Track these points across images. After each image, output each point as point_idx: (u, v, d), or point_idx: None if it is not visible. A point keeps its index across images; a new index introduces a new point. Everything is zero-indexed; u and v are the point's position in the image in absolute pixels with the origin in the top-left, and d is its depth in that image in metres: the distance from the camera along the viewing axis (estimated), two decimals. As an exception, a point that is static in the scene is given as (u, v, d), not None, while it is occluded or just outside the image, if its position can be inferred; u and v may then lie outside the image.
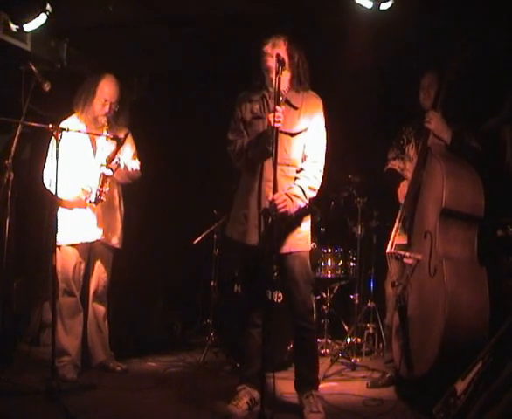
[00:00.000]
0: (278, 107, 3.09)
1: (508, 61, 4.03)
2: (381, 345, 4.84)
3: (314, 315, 4.32)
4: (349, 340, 4.84)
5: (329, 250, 4.90)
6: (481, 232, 3.41)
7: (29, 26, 3.93)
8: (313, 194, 3.30)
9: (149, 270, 5.19)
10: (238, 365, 4.19)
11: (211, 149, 5.59)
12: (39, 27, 3.95)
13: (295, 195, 3.20)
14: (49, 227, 4.47)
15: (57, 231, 3.59)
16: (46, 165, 3.91)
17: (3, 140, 4.44)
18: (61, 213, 3.84)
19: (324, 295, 4.97)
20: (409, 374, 3.41)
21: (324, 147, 3.34)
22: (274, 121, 3.07)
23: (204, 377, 4.08)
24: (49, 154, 3.87)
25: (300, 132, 3.28)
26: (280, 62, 3.11)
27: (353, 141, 5.01)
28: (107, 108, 3.89)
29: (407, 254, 3.52)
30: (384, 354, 4.23)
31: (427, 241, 3.39)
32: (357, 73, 4.80)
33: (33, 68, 3.60)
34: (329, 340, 4.90)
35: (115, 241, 4.04)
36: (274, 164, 3.07)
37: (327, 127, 3.36)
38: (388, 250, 3.64)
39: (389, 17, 3.71)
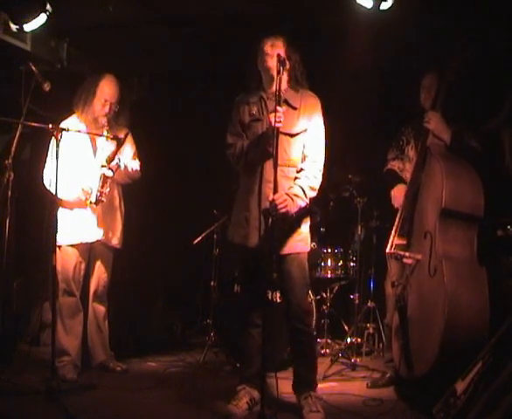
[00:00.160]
0: (279, 108, 3.09)
1: (508, 61, 4.03)
2: (381, 345, 4.84)
3: (314, 315, 4.35)
4: (349, 340, 4.84)
5: (329, 250, 4.90)
6: (481, 232, 3.41)
7: (29, 26, 3.93)
8: (313, 193, 3.30)
9: (149, 270, 5.19)
10: (238, 365, 4.19)
11: (211, 149, 5.58)
12: (39, 27, 3.95)
13: (296, 195, 3.20)
14: (49, 227, 4.47)
15: (57, 231, 3.59)
16: (46, 165, 3.91)
17: (3, 140, 4.44)
18: (61, 213, 3.84)
19: (324, 295, 4.97)
20: (409, 374, 3.41)
21: (323, 147, 3.34)
22: (275, 121, 3.07)
23: (204, 377, 4.08)
24: (49, 154, 3.87)
25: (300, 132, 3.28)
26: (282, 62, 3.11)
27: (353, 141, 5.01)
28: (107, 108, 3.89)
29: (407, 254, 3.52)
30: (383, 354, 4.23)
31: (427, 241, 3.39)
32: (357, 73, 4.80)
33: (33, 68, 3.60)
34: (329, 340, 4.90)
35: (115, 241, 4.04)
36: (275, 165, 3.06)
37: (326, 126, 3.37)
38: (388, 250, 3.64)
39: (389, 17, 3.71)
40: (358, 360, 4.60)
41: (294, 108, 3.29)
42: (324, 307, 4.93)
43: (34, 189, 4.33)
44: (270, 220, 3.08)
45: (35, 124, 3.56)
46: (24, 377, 3.66)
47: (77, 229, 3.89)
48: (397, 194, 3.82)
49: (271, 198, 3.09)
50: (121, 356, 4.21)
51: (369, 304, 4.92)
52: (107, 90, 3.90)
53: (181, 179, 5.60)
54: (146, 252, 5.14)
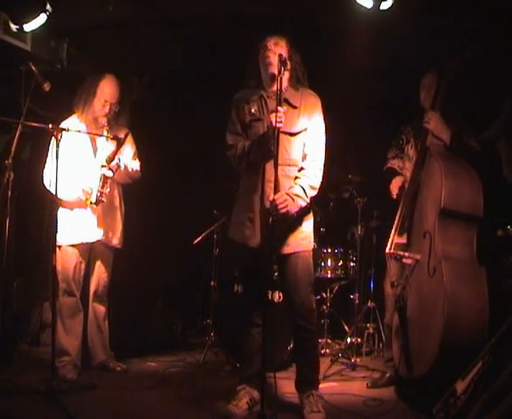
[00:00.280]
0: (279, 108, 3.09)
1: (508, 61, 4.03)
2: (381, 345, 4.84)
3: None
4: (349, 340, 4.84)
5: (329, 250, 4.90)
6: (481, 232, 3.41)
7: (29, 26, 3.92)
8: (314, 192, 3.30)
9: (149, 270, 5.19)
10: (238, 365, 4.19)
11: (211, 149, 5.59)
12: (39, 27, 3.95)
13: (296, 195, 3.20)
14: (49, 227, 4.47)
15: (57, 231, 3.59)
16: (46, 165, 3.91)
17: (3, 140, 4.44)
18: (61, 213, 3.84)
19: (324, 295, 4.97)
20: (409, 374, 3.41)
21: (324, 145, 3.34)
22: (276, 122, 3.07)
23: (204, 377, 4.07)
24: (49, 154, 3.87)
25: (300, 131, 3.28)
26: (283, 62, 3.11)
27: (353, 141, 5.01)
28: (107, 109, 3.89)
29: (406, 254, 3.52)
30: (383, 354, 4.24)
31: (426, 241, 3.39)
32: (357, 73, 4.80)
33: (33, 68, 3.60)
34: (329, 340, 4.90)
35: (116, 241, 4.04)
36: (275, 165, 3.07)
37: (327, 125, 3.36)
38: (387, 250, 3.64)
39: (389, 17, 3.71)
40: (358, 360, 4.60)
41: (295, 107, 3.29)
42: (324, 307, 4.94)
43: (34, 189, 4.32)
44: (270, 220, 3.08)
45: (35, 124, 3.56)
46: (24, 377, 3.66)
47: (77, 229, 3.89)
48: (395, 184, 3.82)
49: (271, 198, 3.10)
50: (121, 356, 4.20)
51: (369, 304, 4.92)
52: (107, 90, 3.90)
53: (181, 179, 5.60)
54: (146, 252, 5.14)
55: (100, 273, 4.04)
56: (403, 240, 3.65)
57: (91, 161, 3.94)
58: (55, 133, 3.48)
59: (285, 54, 3.21)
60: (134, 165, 4.10)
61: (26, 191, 4.58)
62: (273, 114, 3.10)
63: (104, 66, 4.22)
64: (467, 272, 3.32)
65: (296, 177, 3.27)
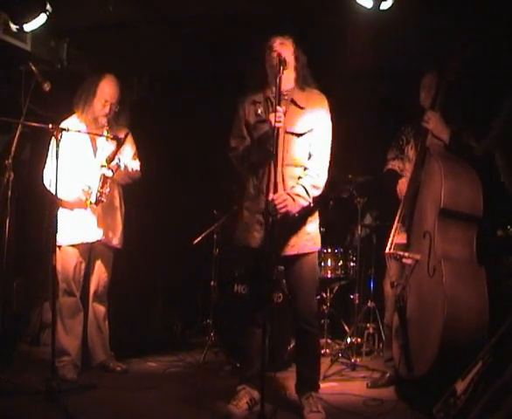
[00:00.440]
0: (279, 108, 3.09)
1: (508, 61, 4.03)
2: (381, 345, 4.84)
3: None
4: (349, 340, 4.83)
5: (329, 250, 4.90)
6: (481, 232, 3.41)
7: (29, 26, 3.92)
8: (317, 192, 3.26)
9: (149, 270, 5.19)
10: (238, 365, 4.19)
11: (211, 149, 5.59)
12: (39, 27, 3.95)
13: (297, 195, 3.18)
14: (49, 227, 4.47)
15: (57, 231, 3.59)
16: (46, 165, 3.91)
17: (3, 140, 4.44)
18: (61, 213, 3.84)
19: (324, 295, 4.97)
20: (408, 374, 3.41)
21: (329, 145, 3.32)
22: (275, 121, 3.07)
23: (204, 377, 4.07)
24: (49, 154, 3.87)
25: (306, 132, 3.26)
26: (282, 61, 3.11)
27: (353, 141, 5.01)
28: (107, 109, 3.89)
29: (406, 254, 3.52)
30: (383, 354, 4.24)
31: (426, 241, 3.39)
32: (357, 73, 4.80)
33: (33, 68, 3.60)
34: (329, 340, 4.90)
35: (116, 241, 4.04)
36: (275, 165, 3.06)
37: (333, 126, 3.35)
38: (387, 250, 3.64)
39: (389, 17, 3.71)
40: (358, 360, 4.60)
41: (301, 107, 3.28)
42: (324, 307, 4.93)
43: (34, 189, 4.32)
44: (270, 220, 3.07)
45: (35, 124, 3.56)
46: (24, 377, 3.66)
47: (77, 229, 3.89)
48: (403, 186, 3.81)
49: (270, 198, 3.09)
50: (121, 356, 4.20)
51: (369, 304, 4.92)
52: (107, 90, 3.90)
53: (181, 179, 5.60)
54: (146, 252, 5.14)
55: (100, 273, 4.04)
56: (403, 240, 3.65)
57: (91, 161, 3.94)
58: (55, 133, 3.48)
59: (291, 54, 3.22)
60: (135, 165, 4.10)
61: (26, 191, 4.58)
62: (272, 115, 3.10)
63: (104, 66, 4.22)
64: (467, 272, 3.31)
65: (300, 177, 3.25)
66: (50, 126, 3.50)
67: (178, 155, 5.61)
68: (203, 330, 5.02)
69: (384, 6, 3.64)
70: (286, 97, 3.28)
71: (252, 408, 3.26)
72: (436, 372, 3.16)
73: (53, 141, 3.61)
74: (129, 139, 4.02)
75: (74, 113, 3.97)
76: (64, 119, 3.91)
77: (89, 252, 4.00)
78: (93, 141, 3.98)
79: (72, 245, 3.90)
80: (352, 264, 4.95)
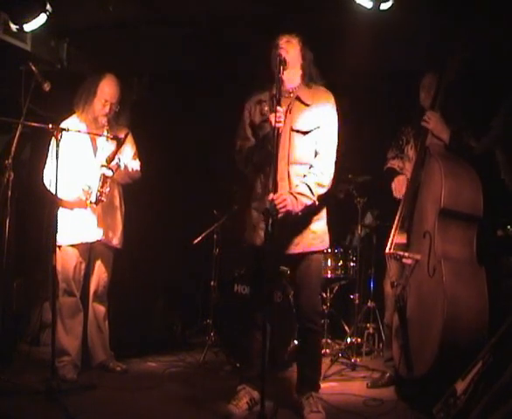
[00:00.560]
0: (279, 108, 3.09)
1: (508, 61, 4.03)
2: (381, 345, 4.84)
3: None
4: (349, 340, 4.83)
5: (329, 250, 4.90)
6: (481, 232, 3.41)
7: (29, 26, 3.92)
8: (322, 190, 3.23)
9: (149, 270, 5.19)
10: (238, 365, 4.19)
11: (211, 149, 5.60)
12: (39, 27, 3.95)
13: (300, 193, 3.17)
14: (49, 227, 4.46)
15: (57, 231, 3.59)
16: (46, 165, 3.91)
17: (3, 140, 4.44)
18: (61, 213, 3.84)
19: (324, 295, 4.96)
20: (408, 374, 3.41)
21: (335, 142, 3.30)
22: (275, 121, 3.07)
23: (204, 377, 4.07)
24: (49, 154, 3.87)
25: (312, 129, 3.25)
26: (281, 62, 3.11)
27: (352, 141, 5.01)
28: (107, 109, 3.89)
29: (406, 254, 3.52)
30: (383, 354, 4.24)
31: (426, 241, 3.39)
32: (357, 73, 4.80)
33: (33, 68, 3.60)
34: (329, 340, 4.90)
35: (116, 241, 4.04)
36: (275, 165, 3.06)
37: (340, 123, 3.34)
38: (387, 250, 3.64)
39: (389, 17, 3.71)
40: (358, 360, 4.60)
41: (306, 104, 3.27)
42: (324, 307, 4.93)
43: (34, 189, 4.33)
44: (270, 220, 3.07)
45: (35, 124, 3.56)
46: (24, 377, 3.66)
47: (77, 229, 3.89)
48: (398, 184, 3.82)
49: (270, 198, 3.08)
50: (121, 356, 4.20)
51: (369, 304, 4.92)
52: (107, 90, 3.90)
53: (181, 179, 5.60)
54: (146, 252, 5.14)
55: (100, 273, 4.04)
56: (403, 240, 3.65)
57: (91, 160, 3.94)
58: (55, 133, 3.48)
59: (297, 52, 3.23)
60: (135, 165, 4.10)
61: (26, 191, 4.58)
62: (273, 115, 3.10)
63: (104, 66, 4.22)
64: (467, 272, 3.31)
65: (305, 176, 3.23)
66: (50, 126, 3.50)
67: (178, 155, 5.61)
68: (203, 330, 5.02)
69: (384, 6, 3.64)
70: (291, 95, 3.28)
71: (252, 408, 3.26)
72: (436, 372, 3.16)
73: (53, 141, 3.61)
74: (129, 139, 4.02)
75: (74, 112, 3.97)
76: (64, 119, 3.91)
77: (89, 252, 4.00)
78: (94, 141, 3.98)
79: (72, 245, 3.90)
80: (352, 264, 4.95)
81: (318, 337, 3.42)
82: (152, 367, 4.33)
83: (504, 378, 2.58)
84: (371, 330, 4.99)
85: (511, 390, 2.52)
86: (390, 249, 3.63)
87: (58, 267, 3.74)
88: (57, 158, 3.46)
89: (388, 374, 3.87)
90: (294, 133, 3.22)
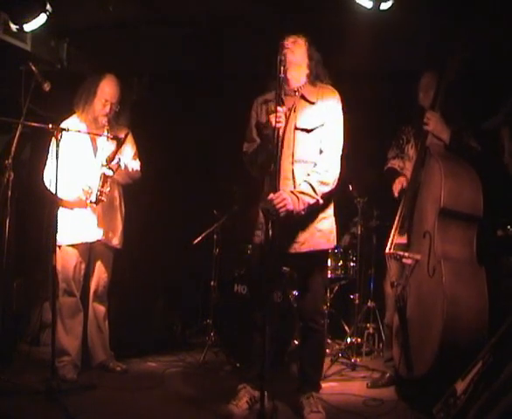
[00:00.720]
0: (279, 108, 3.10)
1: (508, 61, 4.03)
2: (381, 345, 4.84)
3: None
4: (349, 340, 4.83)
5: (329, 250, 4.90)
6: (481, 232, 3.41)
7: (29, 26, 3.92)
8: (326, 188, 3.21)
9: (149, 270, 5.19)
10: (238, 365, 4.19)
11: (211, 149, 5.60)
12: (39, 27, 3.95)
13: (302, 192, 3.16)
14: (49, 227, 4.47)
15: (57, 231, 3.59)
16: (46, 165, 3.91)
17: (3, 140, 4.44)
18: (61, 213, 3.84)
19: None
20: (408, 374, 3.41)
21: (340, 140, 3.29)
22: (275, 122, 3.07)
23: (204, 377, 4.08)
24: (49, 154, 3.87)
25: (317, 127, 3.25)
26: (281, 62, 3.11)
27: (352, 141, 5.01)
28: (107, 109, 3.89)
29: (406, 254, 3.52)
30: (383, 354, 4.24)
31: (426, 241, 3.39)
32: (357, 73, 4.80)
33: (33, 68, 3.60)
34: (329, 340, 4.90)
35: (116, 241, 4.04)
36: (275, 165, 3.06)
37: (345, 121, 3.35)
38: (387, 250, 3.65)
39: (389, 17, 3.71)
40: (358, 360, 4.61)
41: (311, 102, 3.27)
42: (324, 307, 4.93)
43: (34, 189, 4.33)
44: (270, 220, 3.06)
45: (35, 124, 3.56)
46: (24, 377, 3.65)
47: (77, 229, 3.89)
48: (399, 185, 3.81)
49: (270, 198, 3.08)
50: (121, 356, 4.20)
51: (369, 304, 4.92)
52: (107, 90, 3.90)
53: (181, 179, 5.60)
54: (146, 252, 5.14)
55: (100, 273, 4.04)
56: (403, 240, 3.65)
57: (91, 160, 3.94)
58: (55, 133, 3.48)
59: (304, 52, 3.25)
60: (135, 165, 4.10)
61: (26, 191, 4.58)
62: (273, 115, 3.10)
63: (104, 66, 4.22)
64: (467, 272, 3.31)
65: (309, 174, 3.22)
66: (50, 126, 3.50)
67: (178, 155, 5.61)
68: (203, 330, 5.02)
69: (384, 6, 3.64)
70: (296, 93, 3.29)
71: (253, 406, 3.25)
72: (436, 372, 3.16)
73: (53, 141, 3.61)
74: (130, 139, 4.02)
75: (75, 112, 3.97)
76: (64, 119, 3.91)
77: (89, 252, 4.00)
78: (94, 141, 3.98)
79: (72, 245, 3.90)
80: (352, 264, 4.95)
81: (320, 336, 3.42)
82: (152, 367, 4.33)
83: (503, 377, 2.58)
84: (371, 330, 4.99)
85: (508, 388, 2.52)
86: (390, 249, 3.63)
87: (58, 267, 3.74)
88: (57, 158, 3.46)
89: (388, 375, 3.87)
90: (299, 132, 3.22)
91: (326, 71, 3.36)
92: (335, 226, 3.36)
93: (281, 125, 3.11)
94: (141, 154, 4.18)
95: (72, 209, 3.90)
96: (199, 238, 4.91)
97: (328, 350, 4.78)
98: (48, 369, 3.38)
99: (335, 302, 5.04)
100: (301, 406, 3.25)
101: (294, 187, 3.19)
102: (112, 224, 4.02)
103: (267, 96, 3.37)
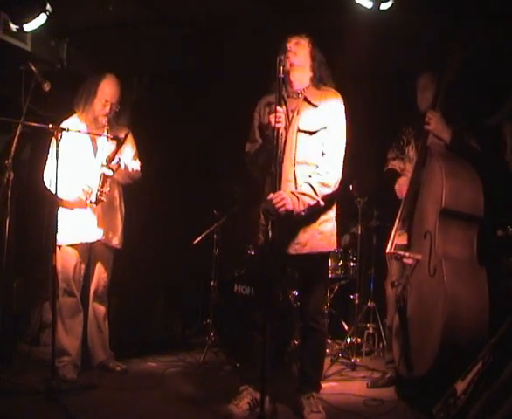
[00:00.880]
0: (278, 108, 3.09)
1: (508, 61, 4.03)
2: (381, 345, 4.85)
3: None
4: (349, 340, 4.84)
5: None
6: (481, 232, 3.41)
7: (29, 26, 3.92)
8: (327, 190, 3.20)
9: (150, 270, 5.19)
10: (238, 365, 4.19)
11: (211, 149, 5.60)
12: (39, 27, 3.95)
13: (302, 193, 3.16)
14: (49, 227, 4.46)
15: (57, 231, 3.59)
16: (46, 165, 3.91)
17: (3, 140, 4.44)
18: (61, 213, 3.84)
19: (324, 295, 4.97)
20: (408, 374, 3.41)
21: (342, 143, 3.28)
22: (275, 122, 3.07)
23: (204, 377, 4.08)
24: (49, 154, 3.87)
25: (319, 130, 3.24)
26: (281, 62, 3.11)
27: (352, 142, 5.01)
28: (107, 109, 3.89)
29: (407, 254, 3.52)
30: (384, 355, 4.24)
31: (427, 241, 3.39)
32: (357, 74, 4.80)
33: (33, 68, 3.60)
34: (329, 340, 4.89)
35: (116, 241, 4.04)
36: (275, 165, 3.06)
37: (348, 124, 3.34)
38: (388, 250, 3.64)
39: (389, 17, 3.71)
40: (358, 360, 4.61)
41: (314, 105, 3.27)
42: (324, 307, 4.92)
43: (34, 189, 4.33)
44: (270, 220, 3.07)
45: (35, 124, 3.56)
46: (24, 377, 3.66)
47: (77, 229, 3.89)
48: (403, 183, 3.81)
49: (269, 198, 3.08)
50: (121, 356, 4.20)
51: (369, 304, 4.92)
52: (107, 90, 3.90)
53: (181, 179, 5.60)
54: (146, 252, 5.14)
55: (100, 273, 4.04)
56: (403, 240, 3.65)
57: (91, 160, 3.94)
58: (55, 133, 3.48)
59: (307, 54, 3.24)
60: (135, 165, 4.09)
61: (26, 191, 4.58)
62: (272, 115, 3.10)
63: (104, 66, 4.22)
64: (468, 272, 3.31)
65: (311, 176, 3.22)
66: (50, 126, 3.50)
67: (178, 155, 5.61)
68: (203, 330, 5.02)
69: (384, 6, 3.64)
70: (299, 95, 3.29)
71: (254, 408, 3.24)
72: (436, 372, 3.16)
73: (53, 141, 3.61)
74: (130, 139, 4.02)
75: (75, 112, 3.97)
76: (64, 119, 3.91)
77: (89, 252, 4.00)
78: (94, 141, 3.98)
79: (72, 245, 3.90)
80: (352, 264, 4.95)
81: (321, 336, 3.41)
82: (152, 367, 4.33)
83: (503, 377, 2.58)
84: (371, 330, 4.98)
85: (509, 389, 2.52)
86: (390, 249, 3.63)
87: (59, 267, 3.74)
88: (57, 158, 3.46)
89: (388, 375, 3.88)
90: (301, 134, 3.22)
91: (329, 72, 3.35)
92: (336, 229, 3.36)
93: (281, 125, 3.11)
94: (141, 154, 4.18)
95: (72, 209, 3.90)
96: (199, 238, 4.91)
97: (328, 350, 4.78)
98: (48, 369, 3.38)
99: (335, 302, 5.05)
100: (301, 406, 3.25)
101: (296, 189, 3.19)
102: (112, 224, 4.02)
103: (270, 98, 3.35)
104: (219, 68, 5.23)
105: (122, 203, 4.14)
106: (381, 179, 4.11)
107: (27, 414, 3.19)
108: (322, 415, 3.19)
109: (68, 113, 3.98)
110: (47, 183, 3.88)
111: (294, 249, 3.23)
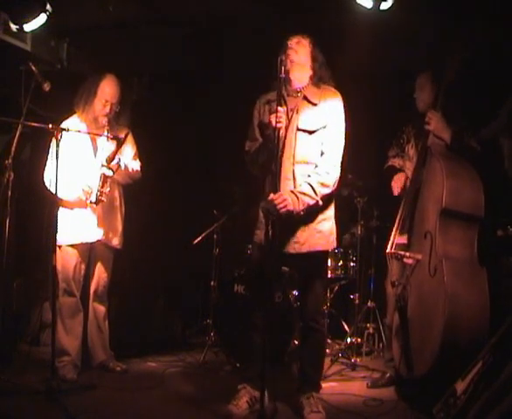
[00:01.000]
0: (279, 108, 3.10)
1: (508, 61, 4.03)
2: (381, 345, 4.84)
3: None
4: (349, 340, 4.83)
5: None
6: (481, 232, 3.41)
7: (29, 26, 3.92)
8: (326, 190, 3.21)
9: (150, 270, 5.19)
10: (238, 365, 4.19)
11: (211, 149, 5.60)
12: (39, 27, 3.95)
13: (302, 193, 3.16)
14: (49, 227, 4.46)
15: (57, 231, 3.59)
16: (47, 165, 3.91)
17: (3, 140, 4.44)
18: (61, 213, 3.84)
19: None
20: (409, 374, 3.41)
21: (341, 142, 3.29)
22: (276, 122, 3.07)
23: (204, 377, 4.07)
24: (49, 154, 3.87)
25: (319, 129, 3.25)
26: (281, 62, 3.11)
27: (352, 142, 5.01)
28: (107, 109, 3.89)
29: (407, 254, 3.52)
30: (384, 354, 4.24)
31: (427, 241, 3.39)
32: (357, 74, 4.80)
33: (33, 68, 3.60)
34: (329, 340, 4.89)
35: (116, 242, 4.04)
36: (275, 165, 3.06)
37: (347, 123, 3.35)
38: (388, 249, 3.65)
39: (389, 17, 3.71)
40: (358, 360, 4.60)
41: (313, 104, 3.27)
42: (324, 307, 4.93)
43: (34, 189, 4.33)
44: (270, 220, 3.06)
45: (35, 124, 3.56)
46: (24, 377, 3.66)
47: (77, 229, 3.89)
48: (397, 181, 3.81)
49: (270, 198, 3.08)
50: (121, 356, 4.20)
51: (369, 304, 4.91)
52: (107, 90, 3.90)
53: (181, 179, 5.60)
54: (146, 252, 5.14)
55: (100, 273, 4.04)
56: (403, 240, 3.65)
57: (91, 160, 3.94)
58: (55, 133, 3.48)
59: (308, 53, 3.24)
60: (135, 165, 4.10)
61: (26, 191, 4.58)
62: (273, 115, 3.10)
63: (104, 66, 4.22)
64: (468, 272, 3.32)
65: (309, 175, 3.22)
66: (50, 126, 3.50)
67: (178, 155, 5.61)
68: (203, 330, 5.02)
69: (384, 6, 3.65)
70: (299, 94, 3.29)
71: (253, 406, 3.25)
72: (436, 372, 3.16)
73: (53, 141, 3.61)
74: (130, 139, 4.02)
75: (75, 112, 3.97)
76: (64, 119, 3.91)
77: (89, 252, 3.99)
78: (94, 141, 3.98)
79: (72, 245, 3.90)
80: (352, 264, 4.95)
81: (321, 336, 3.42)
82: (152, 367, 4.33)
83: (503, 376, 2.58)
84: (371, 330, 4.98)
85: (509, 388, 2.52)
86: (391, 248, 3.63)
87: (59, 267, 3.74)
88: (57, 158, 3.46)
89: (388, 375, 3.87)
90: (300, 133, 3.22)
91: (330, 72, 3.35)
92: (335, 228, 3.36)
93: (282, 125, 3.11)
94: (141, 154, 4.18)
95: (72, 209, 3.90)
96: (199, 238, 4.91)
97: (328, 350, 4.78)
98: (48, 369, 3.38)
99: (335, 302, 5.04)
100: (301, 406, 3.25)
101: (295, 187, 3.19)
102: (112, 224, 4.02)
103: (270, 96, 3.36)
104: (219, 68, 5.23)
105: (122, 203, 4.14)
106: (381, 178, 4.11)
107: (27, 414, 3.19)
108: (322, 415, 3.18)
109: (68, 113, 3.98)
110: (47, 183, 3.88)
111: (292, 248, 3.23)
